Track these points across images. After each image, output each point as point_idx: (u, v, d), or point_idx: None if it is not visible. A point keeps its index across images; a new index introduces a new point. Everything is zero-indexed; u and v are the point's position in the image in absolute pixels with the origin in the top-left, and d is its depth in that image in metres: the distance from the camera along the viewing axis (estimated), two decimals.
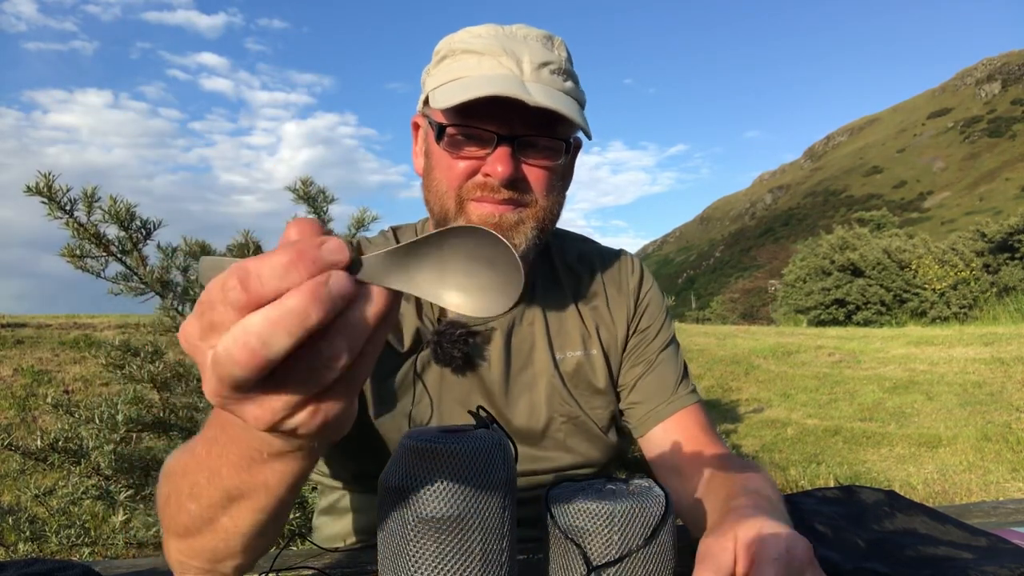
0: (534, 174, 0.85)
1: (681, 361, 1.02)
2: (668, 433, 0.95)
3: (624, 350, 1.00)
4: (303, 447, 0.47)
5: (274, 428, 0.39)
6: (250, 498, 0.54)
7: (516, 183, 0.83)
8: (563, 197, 0.92)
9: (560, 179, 0.89)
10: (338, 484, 1.02)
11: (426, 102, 0.88)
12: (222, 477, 0.53)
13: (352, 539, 1.02)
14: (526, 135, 0.82)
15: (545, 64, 0.82)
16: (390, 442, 0.91)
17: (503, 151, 0.81)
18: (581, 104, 0.86)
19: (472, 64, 0.82)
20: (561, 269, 1.02)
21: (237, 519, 0.56)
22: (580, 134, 0.90)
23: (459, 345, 0.90)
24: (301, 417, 0.39)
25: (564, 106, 0.79)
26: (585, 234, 1.11)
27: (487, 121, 0.81)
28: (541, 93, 0.79)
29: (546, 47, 0.85)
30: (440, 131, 0.84)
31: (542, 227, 0.87)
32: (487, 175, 0.82)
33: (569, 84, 0.85)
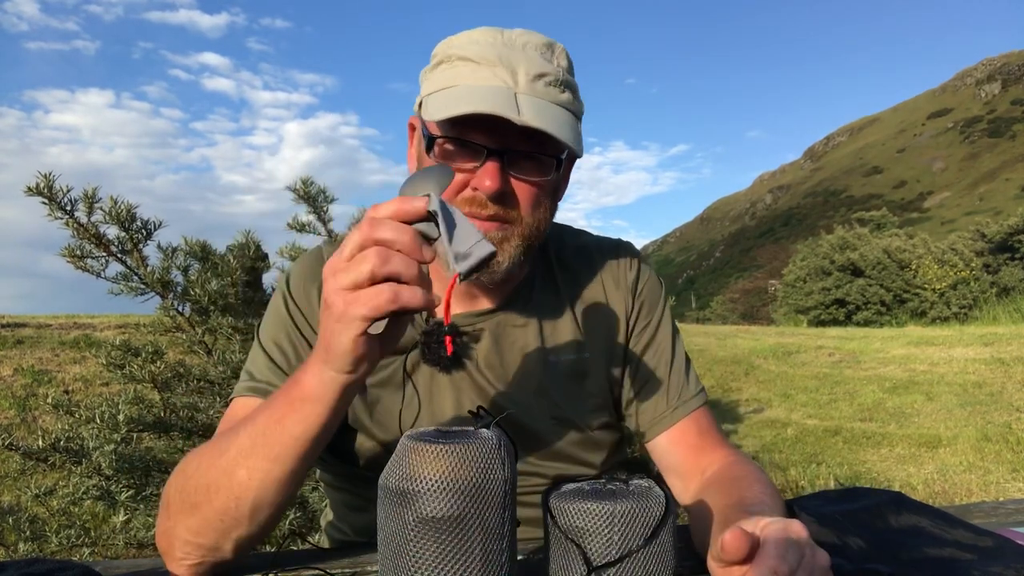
0: (522, 189, 0.83)
1: (683, 358, 1.00)
2: (672, 442, 0.94)
3: (625, 351, 0.98)
4: (329, 392, 0.66)
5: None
6: (270, 446, 0.68)
7: (503, 197, 0.82)
8: (552, 211, 0.91)
9: (549, 194, 0.88)
10: (337, 484, 1.02)
11: (421, 105, 0.86)
12: (257, 425, 0.69)
13: (352, 539, 1.02)
14: (516, 150, 0.81)
15: (541, 76, 0.81)
16: (381, 443, 0.91)
17: (492, 166, 0.80)
18: (577, 115, 0.85)
19: (466, 73, 0.81)
20: (557, 268, 1.00)
21: (253, 469, 0.68)
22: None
23: (446, 344, 0.90)
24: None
25: (554, 125, 0.77)
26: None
27: (477, 133, 0.80)
28: (532, 108, 0.77)
29: (544, 57, 0.83)
30: (430, 142, 0.83)
31: (528, 243, 0.86)
32: (475, 189, 0.81)
33: (566, 96, 0.83)
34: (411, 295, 0.59)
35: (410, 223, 0.60)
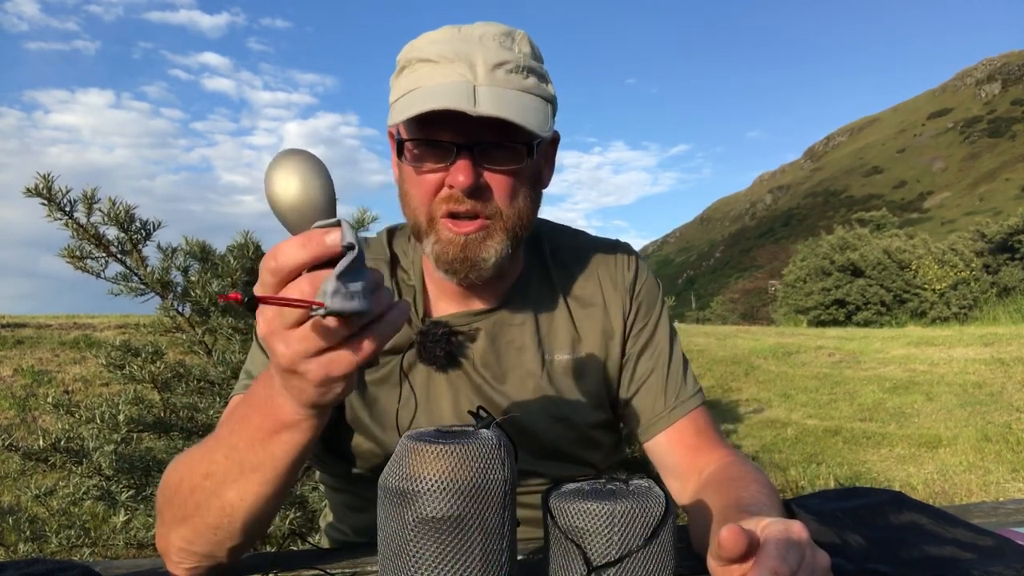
0: (497, 181, 0.83)
1: (680, 358, 1.00)
2: (670, 442, 0.95)
3: (622, 352, 0.98)
4: (309, 418, 0.62)
5: (292, 369, 0.54)
6: (259, 471, 0.66)
7: (479, 191, 0.82)
8: (535, 198, 0.90)
9: (527, 182, 0.87)
10: (336, 485, 1.02)
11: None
12: (239, 451, 0.67)
13: (352, 539, 1.02)
14: (485, 142, 0.81)
15: (501, 64, 0.80)
16: (379, 443, 0.91)
17: (462, 162, 0.80)
18: (547, 99, 0.84)
19: (427, 74, 0.81)
20: (553, 267, 1.00)
21: (244, 492, 0.68)
22: (558, 126, 0.89)
23: (441, 344, 0.90)
24: (312, 365, 0.54)
25: (514, 111, 0.77)
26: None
27: (443, 132, 0.80)
28: (491, 98, 0.77)
29: (504, 45, 0.82)
30: (400, 146, 0.84)
31: (513, 234, 0.86)
32: (451, 186, 0.82)
33: (530, 81, 0.82)
34: (393, 325, 0.54)
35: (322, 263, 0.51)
